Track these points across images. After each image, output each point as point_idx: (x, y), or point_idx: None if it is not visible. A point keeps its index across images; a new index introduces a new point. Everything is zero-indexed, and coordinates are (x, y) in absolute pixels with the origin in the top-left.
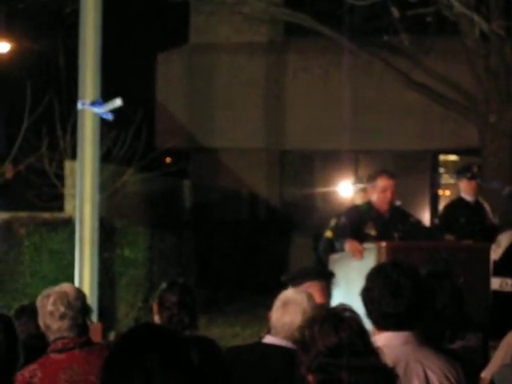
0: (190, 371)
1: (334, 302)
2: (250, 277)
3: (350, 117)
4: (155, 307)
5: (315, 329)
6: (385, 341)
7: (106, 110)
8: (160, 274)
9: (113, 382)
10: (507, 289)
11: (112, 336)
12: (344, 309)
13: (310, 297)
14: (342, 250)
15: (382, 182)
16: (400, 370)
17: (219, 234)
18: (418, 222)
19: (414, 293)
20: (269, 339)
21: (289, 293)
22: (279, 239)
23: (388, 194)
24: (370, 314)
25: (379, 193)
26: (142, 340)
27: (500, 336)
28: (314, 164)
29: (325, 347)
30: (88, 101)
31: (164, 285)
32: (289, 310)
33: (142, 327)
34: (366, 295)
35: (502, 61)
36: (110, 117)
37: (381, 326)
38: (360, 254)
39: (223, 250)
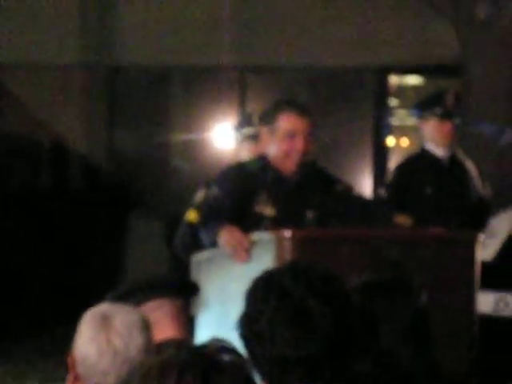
0: None
1: (202, 335)
2: (58, 290)
3: (230, 12)
4: None
5: None
6: None
7: None
8: None
9: None
10: (507, 312)
11: None
12: (220, 348)
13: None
14: (214, 244)
15: (288, 123)
16: None
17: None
18: (350, 192)
19: (334, 322)
20: None
21: (101, 308)
22: (107, 222)
23: (298, 144)
24: (255, 359)
25: (282, 141)
26: None
27: None
28: (170, 90)
29: None
30: None
31: None
32: (116, 328)
33: None
34: (249, 328)
35: None
36: None
37: (276, 379)
38: (245, 253)
39: (11, 243)
